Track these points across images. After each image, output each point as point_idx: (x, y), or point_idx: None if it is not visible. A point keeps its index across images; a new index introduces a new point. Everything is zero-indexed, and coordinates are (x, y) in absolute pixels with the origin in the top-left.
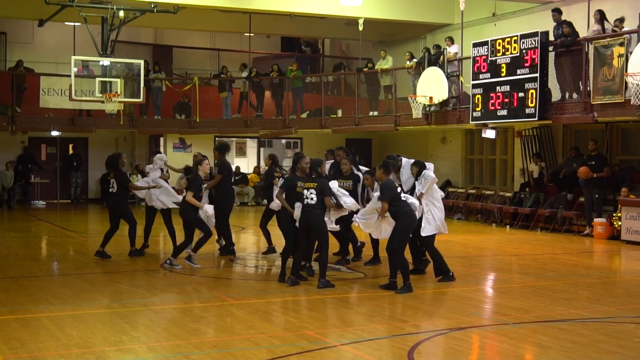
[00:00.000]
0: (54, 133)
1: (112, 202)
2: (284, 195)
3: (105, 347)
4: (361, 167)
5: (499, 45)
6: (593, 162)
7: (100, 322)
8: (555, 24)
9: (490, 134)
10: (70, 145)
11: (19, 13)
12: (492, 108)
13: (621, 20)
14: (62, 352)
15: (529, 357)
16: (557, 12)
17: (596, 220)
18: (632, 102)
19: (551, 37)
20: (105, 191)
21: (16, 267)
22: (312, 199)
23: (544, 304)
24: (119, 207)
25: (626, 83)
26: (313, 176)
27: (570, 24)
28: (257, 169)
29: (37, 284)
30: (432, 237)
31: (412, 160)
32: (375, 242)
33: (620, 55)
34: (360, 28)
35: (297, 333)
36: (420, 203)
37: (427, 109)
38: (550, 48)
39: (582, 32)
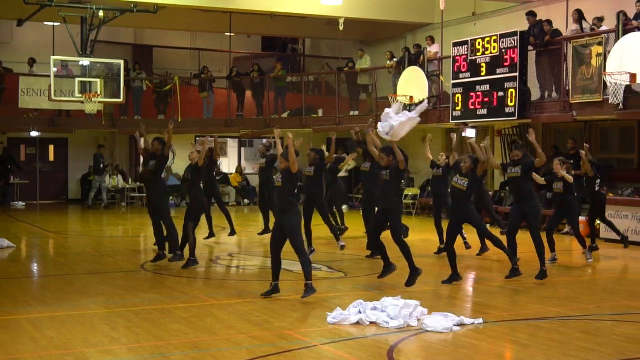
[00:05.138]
0: (34, 134)
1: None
2: None
3: (84, 349)
4: None
5: (479, 44)
6: (572, 161)
7: (80, 323)
8: (530, 25)
9: (470, 133)
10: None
11: None
12: (472, 107)
13: (600, 19)
14: (41, 354)
15: (508, 356)
16: (531, 15)
17: None
18: (610, 101)
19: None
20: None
21: None
22: None
23: (523, 302)
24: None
25: (604, 82)
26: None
27: (550, 23)
28: (239, 169)
29: (16, 285)
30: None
31: None
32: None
33: (598, 55)
34: (341, 28)
35: (277, 333)
36: None
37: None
38: (530, 47)
39: (561, 32)
